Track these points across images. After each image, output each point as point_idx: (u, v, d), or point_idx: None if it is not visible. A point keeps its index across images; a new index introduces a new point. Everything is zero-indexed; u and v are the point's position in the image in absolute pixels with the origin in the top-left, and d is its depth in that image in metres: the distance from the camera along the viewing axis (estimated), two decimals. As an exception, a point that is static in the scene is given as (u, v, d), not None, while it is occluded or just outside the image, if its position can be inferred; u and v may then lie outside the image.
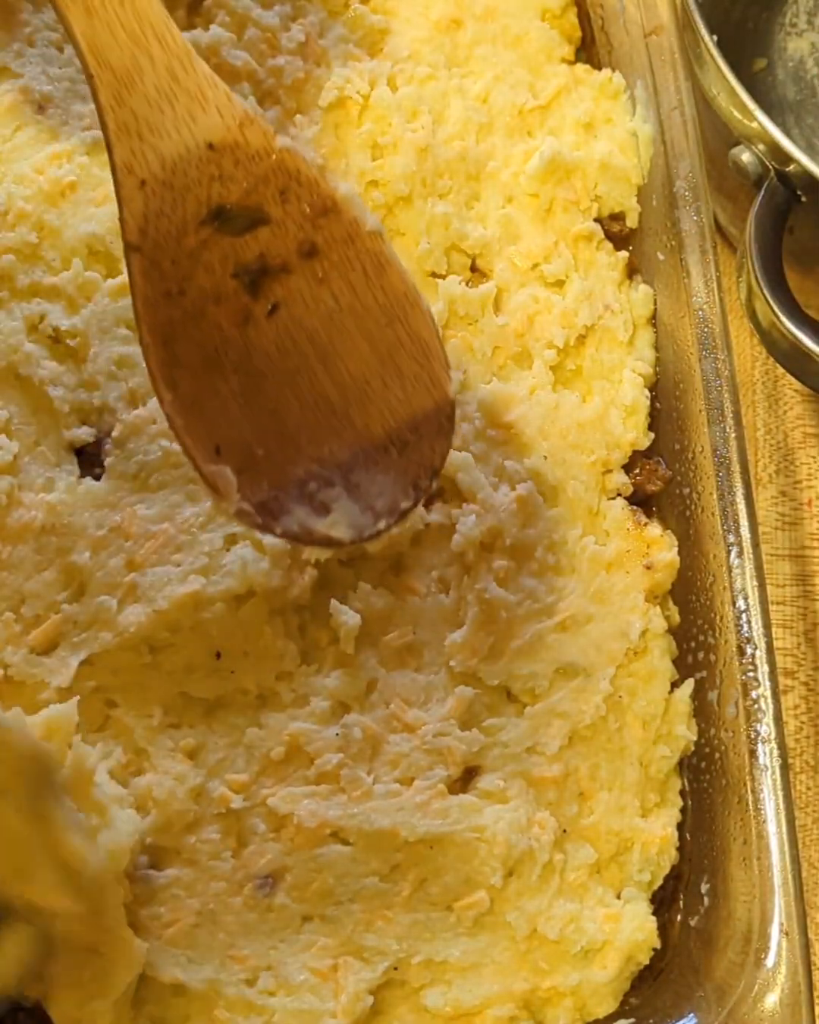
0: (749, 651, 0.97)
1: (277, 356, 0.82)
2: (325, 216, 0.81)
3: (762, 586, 0.99)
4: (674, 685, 1.02)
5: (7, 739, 0.75)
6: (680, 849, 1.00)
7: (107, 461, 0.97)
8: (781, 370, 1.14)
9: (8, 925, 0.77)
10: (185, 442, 0.80)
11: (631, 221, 1.12)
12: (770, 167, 1.06)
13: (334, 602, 0.96)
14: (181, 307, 0.80)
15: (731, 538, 1.00)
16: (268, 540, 0.94)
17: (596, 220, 1.11)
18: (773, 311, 1.02)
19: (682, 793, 1.01)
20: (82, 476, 0.97)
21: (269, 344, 0.81)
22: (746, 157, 1.07)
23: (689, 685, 1.01)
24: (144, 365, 0.95)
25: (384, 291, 0.82)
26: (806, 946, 0.89)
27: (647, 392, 1.08)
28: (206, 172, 0.79)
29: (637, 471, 1.07)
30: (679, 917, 0.99)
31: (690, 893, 0.99)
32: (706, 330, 1.05)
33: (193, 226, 0.80)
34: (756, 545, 0.99)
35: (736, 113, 1.06)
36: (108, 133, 0.79)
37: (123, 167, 0.78)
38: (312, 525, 0.82)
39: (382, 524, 0.83)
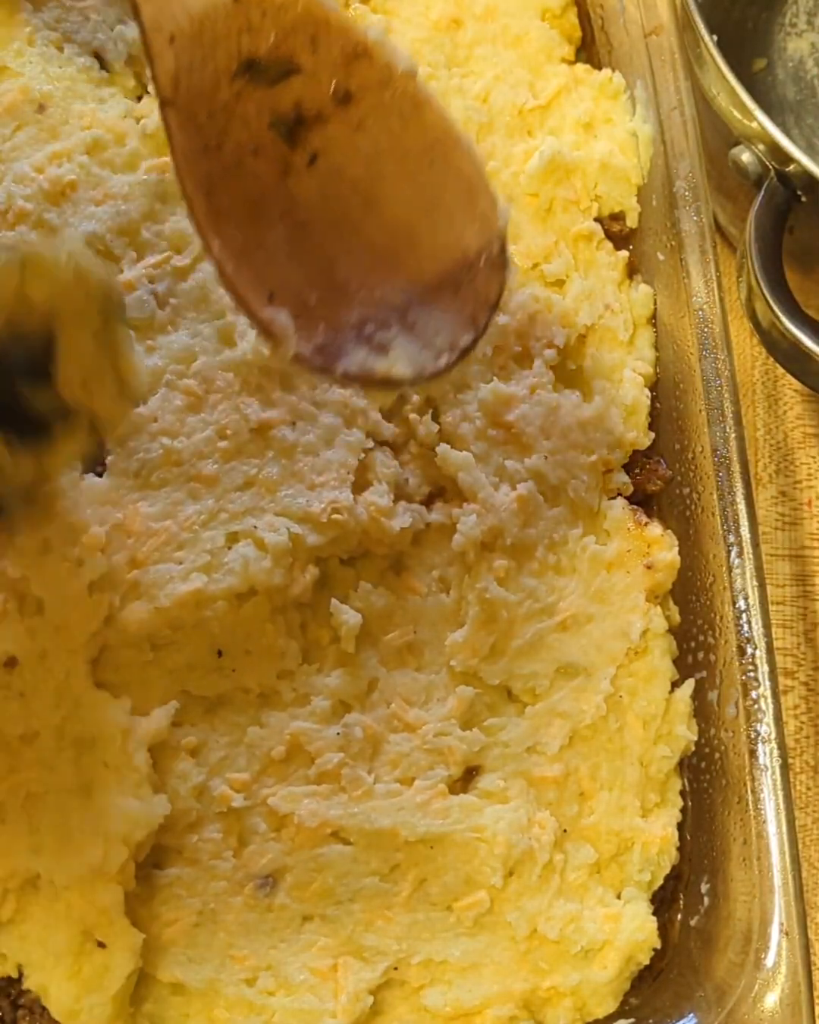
0: (749, 651, 0.97)
1: (321, 204, 0.81)
2: (357, 61, 0.80)
3: (762, 586, 0.99)
4: (674, 685, 1.02)
5: (85, 275, 0.76)
6: (680, 849, 1.00)
7: (109, 459, 0.97)
8: (781, 370, 1.14)
9: (73, 424, 0.80)
10: (236, 289, 0.78)
11: (631, 221, 1.12)
12: (770, 167, 1.05)
13: (335, 601, 0.96)
14: (220, 160, 0.79)
15: (731, 538, 0.99)
16: (269, 538, 0.94)
17: (596, 220, 1.11)
18: (773, 311, 1.02)
19: (682, 793, 1.01)
20: (84, 473, 0.97)
21: (312, 193, 0.81)
22: (746, 157, 1.07)
23: (689, 685, 1.01)
24: (145, 364, 0.96)
25: (423, 132, 0.81)
26: (806, 946, 0.89)
27: (647, 392, 1.08)
28: (234, 24, 0.78)
29: (637, 471, 1.07)
30: (679, 917, 0.99)
31: (690, 893, 0.99)
32: (706, 330, 1.05)
33: (225, 79, 0.79)
34: (756, 545, 0.99)
35: (736, 113, 1.06)
36: None
37: (151, 25, 0.77)
38: (372, 365, 0.80)
39: (444, 360, 0.82)
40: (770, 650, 0.97)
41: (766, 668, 0.96)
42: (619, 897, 0.98)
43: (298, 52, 0.79)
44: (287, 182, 0.80)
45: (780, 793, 0.93)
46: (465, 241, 0.81)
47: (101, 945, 0.88)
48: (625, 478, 1.06)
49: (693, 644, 1.03)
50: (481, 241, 0.82)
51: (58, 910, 0.90)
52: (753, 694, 0.96)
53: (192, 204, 0.79)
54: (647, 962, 0.97)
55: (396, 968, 0.93)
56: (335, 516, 0.95)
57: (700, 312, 1.05)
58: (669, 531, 1.04)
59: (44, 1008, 0.90)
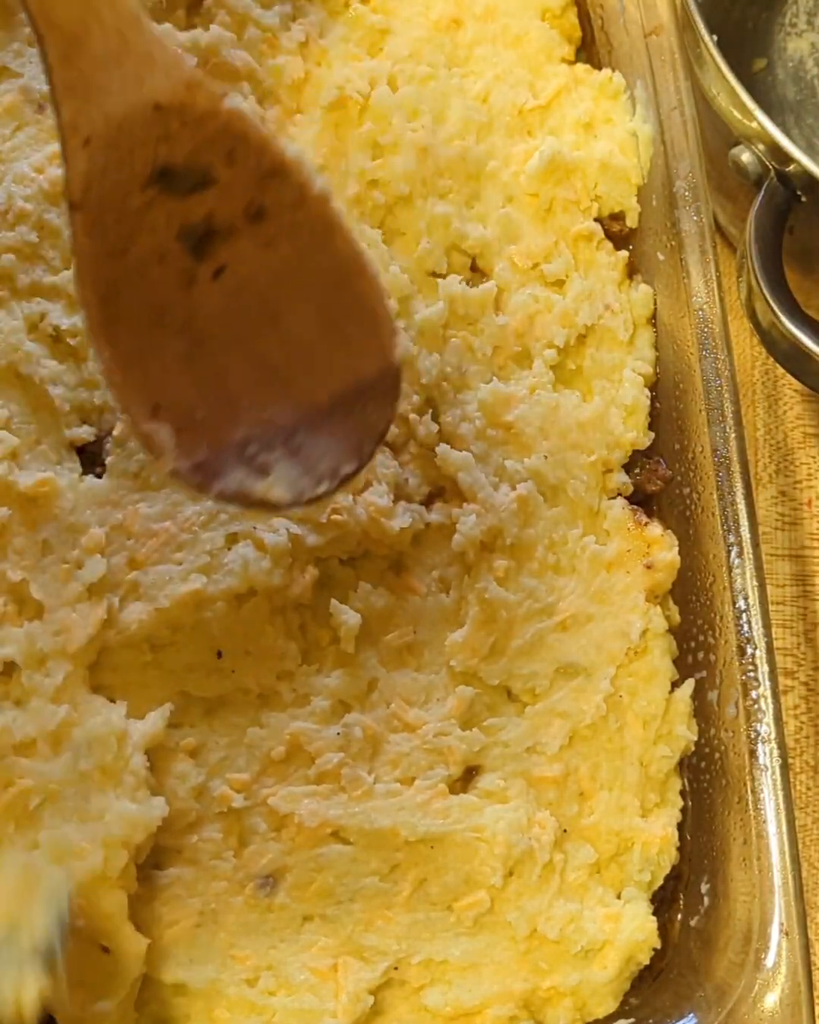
0: (749, 651, 0.97)
1: (221, 318, 0.80)
2: (273, 178, 0.79)
3: (762, 586, 0.99)
4: (674, 685, 1.02)
5: None
6: (680, 849, 1.00)
7: (108, 460, 0.97)
8: (781, 370, 1.14)
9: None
10: (123, 399, 0.79)
11: (631, 221, 1.12)
12: (770, 167, 1.05)
13: (334, 602, 0.96)
14: (123, 266, 0.78)
15: (731, 538, 0.99)
16: (269, 539, 0.94)
17: (596, 220, 1.11)
18: (773, 311, 1.02)
19: (682, 793, 1.01)
20: (83, 474, 0.97)
21: (214, 306, 0.80)
22: (746, 157, 1.07)
23: (689, 685, 1.01)
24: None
25: (331, 255, 0.80)
26: (806, 946, 0.89)
27: (647, 392, 1.08)
28: (152, 132, 0.78)
29: (637, 471, 1.07)
30: (679, 917, 0.99)
31: (690, 893, 0.99)
32: (706, 330, 1.04)
33: (138, 186, 0.78)
34: (756, 545, 0.99)
35: (736, 113, 1.06)
36: (55, 92, 0.77)
37: (69, 126, 0.77)
38: (250, 487, 0.80)
39: (322, 488, 0.82)
40: (770, 650, 0.97)
41: (766, 668, 0.96)
42: (619, 897, 0.98)
43: (214, 165, 0.79)
44: (191, 293, 0.80)
45: (780, 793, 0.93)
46: (361, 369, 0.81)
47: (106, 950, 0.88)
48: (625, 478, 1.06)
49: (693, 644, 1.03)
50: (376, 370, 0.81)
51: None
52: (753, 694, 0.96)
53: (88, 309, 0.78)
54: (647, 962, 0.97)
55: (396, 968, 0.93)
56: (335, 516, 0.95)
57: (700, 312, 1.05)
58: (669, 531, 1.04)
59: (50, 1016, 0.89)
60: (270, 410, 0.81)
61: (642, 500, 1.06)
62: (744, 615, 0.98)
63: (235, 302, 0.80)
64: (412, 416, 1.01)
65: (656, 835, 0.98)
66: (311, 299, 0.81)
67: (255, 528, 0.94)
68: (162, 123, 0.78)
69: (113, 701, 0.93)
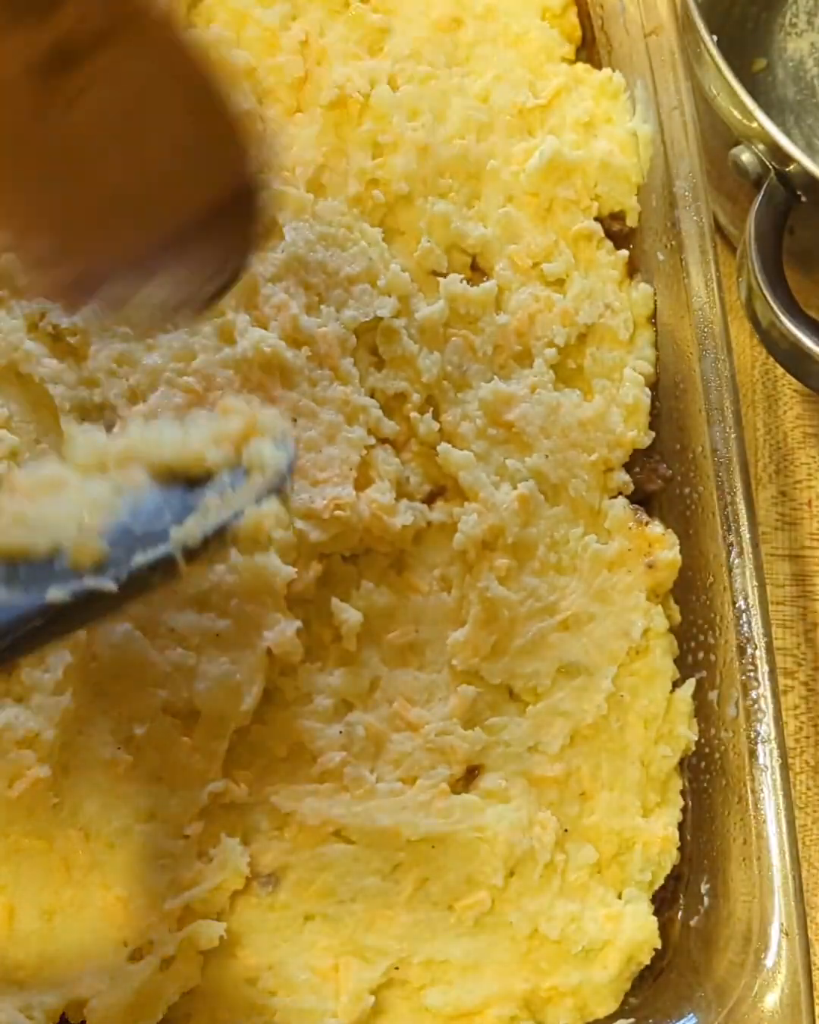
0: (749, 651, 0.97)
1: (82, 143, 0.79)
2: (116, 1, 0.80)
3: (762, 586, 0.99)
4: (675, 685, 1.02)
5: None
6: (680, 849, 1.00)
7: (109, 459, 0.97)
8: (781, 370, 1.14)
9: None
10: None
11: (631, 220, 1.12)
12: (770, 167, 1.06)
13: (335, 600, 0.96)
14: None
15: (731, 538, 0.99)
16: (272, 535, 0.93)
17: (596, 219, 1.11)
18: (773, 311, 1.02)
19: (682, 793, 1.01)
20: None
21: (73, 132, 0.80)
22: (746, 157, 1.07)
23: (691, 685, 1.01)
24: (145, 362, 0.95)
25: (183, 76, 0.79)
26: (806, 946, 0.89)
27: (647, 391, 1.08)
28: None
29: (638, 470, 1.06)
30: (679, 917, 0.99)
31: (690, 893, 0.99)
32: (706, 330, 1.04)
33: None
34: (756, 545, 0.99)
35: (736, 113, 1.06)
36: None
37: None
38: (133, 291, 0.80)
39: (207, 289, 0.82)
40: (770, 650, 0.97)
41: (766, 668, 0.96)
42: (620, 897, 0.98)
43: None
44: (46, 122, 0.79)
45: (780, 793, 0.93)
46: (225, 184, 0.80)
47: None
48: (625, 477, 1.05)
49: (693, 644, 1.03)
50: (240, 184, 0.81)
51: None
52: (753, 694, 0.96)
53: None
54: (647, 962, 0.97)
55: (397, 968, 0.92)
56: (337, 512, 0.95)
57: (700, 312, 1.05)
58: (670, 530, 1.04)
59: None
60: (141, 229, 0.80)
61: (642, 499, 1.06)
62: (744, 615, 0.98)
63: (95, 126, 0.80)
64: (413, 414, 1.01)
65: (657, 835, 0.98)
66: (166, 121, 0.80)
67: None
68: None
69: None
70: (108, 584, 0.72)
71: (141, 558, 0.74)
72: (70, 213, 0.80)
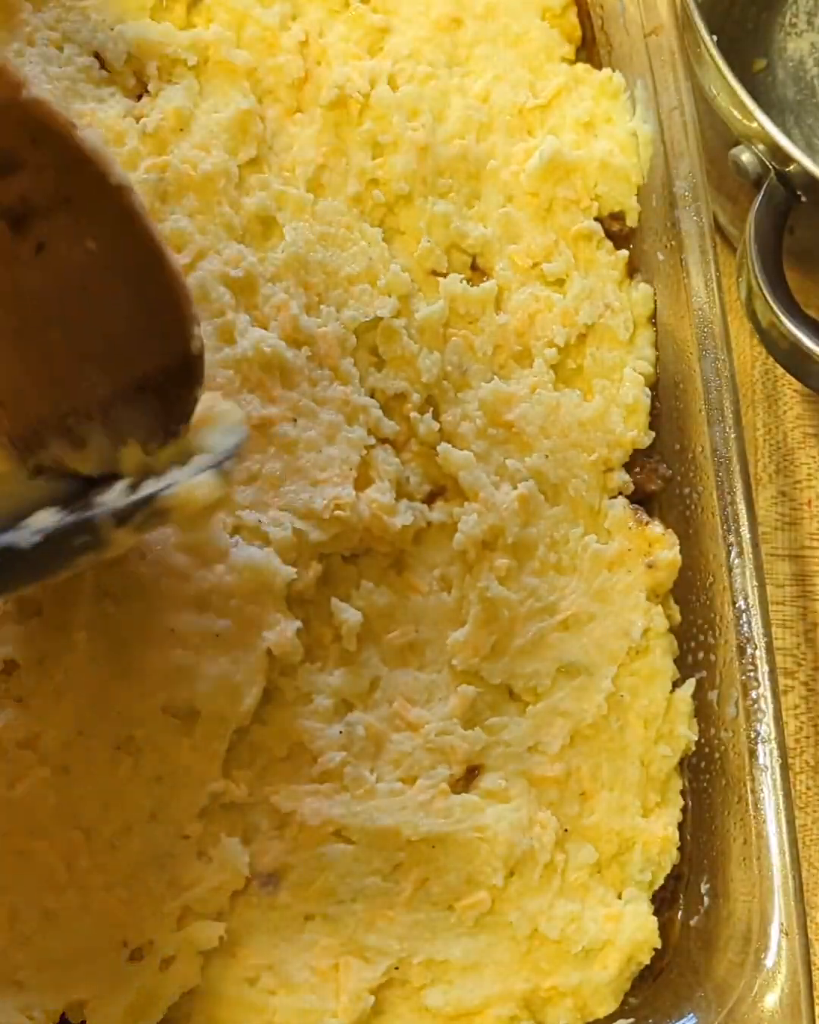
0: (749, 651, 0.97)
1: (44, 295, 0.81)
2: (75, 167, 0.80)
3: (762, 586, 0.99)
4: (675, 685, 1.02)
5: None
6: (680, 849, 1.00)
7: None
8: (781, 370, 1.14)
9: None
10: None
11: (631, 220, 1.12)
12: (770, 167, 1.06)
13: (335, 600, 0.96)
14: None
15: (731, 538, 0.99)
16: (273, 533, 0.93)
17: (596, 219, 1.11)
18: (773, 311, 1.02)
19: (682, 793, 1.01)
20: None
21: (36, 283, 0.81)
22: (746, 157, 1.07)
23: (691, 685, 1.01)
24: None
25: (133, 247, 0.81)
26: (806, 946, 0.89)
27: (647, 391, 1.08)
28: None
29: (638, 470, 1.06)
30: (679, 917, 0.99)
31: (690, 893, 0.99)
32: (706, 330, 1.05)
33: None
34: (756, 545, 0.99)
35: (736, 113, 1.06)
36: None
37: None
38: (64, 458, 0.82)
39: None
40: (770, 650, 0.97)
41: (766, 668, 0.96)
42: (620, 897, 0.98)
43: (19, 147, 0.79)
44: (13, 271, 0.81)
45: (780, 793, 0.93)
46: (165, 353, 0.82)
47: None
48: (625, 477, 1.06)
49: (693, 644, 1.03)
50: (179, 357, 0.82)
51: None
52: (753, 694, 0.96)
53: None
54: (647, 962, 0.97)
55: (397, 968, 0.93)
56: (337, 512, 0.95)
57: (700, 312, 1.05)
58: (670, 530, 1.04)
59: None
60: (88, 386, 0.82)
61: (642, 499, 1.06)
62: (744, 615, 0.98)
63: (56, 280, 0.81)
64: (413, 414, 1.01)
65: (657, 835, 0.99)
66: (119, 286, 0.82)
67: (259, 522, 0.94)
68: None
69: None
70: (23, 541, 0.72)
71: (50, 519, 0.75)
72: (32, 365, 0.82)
